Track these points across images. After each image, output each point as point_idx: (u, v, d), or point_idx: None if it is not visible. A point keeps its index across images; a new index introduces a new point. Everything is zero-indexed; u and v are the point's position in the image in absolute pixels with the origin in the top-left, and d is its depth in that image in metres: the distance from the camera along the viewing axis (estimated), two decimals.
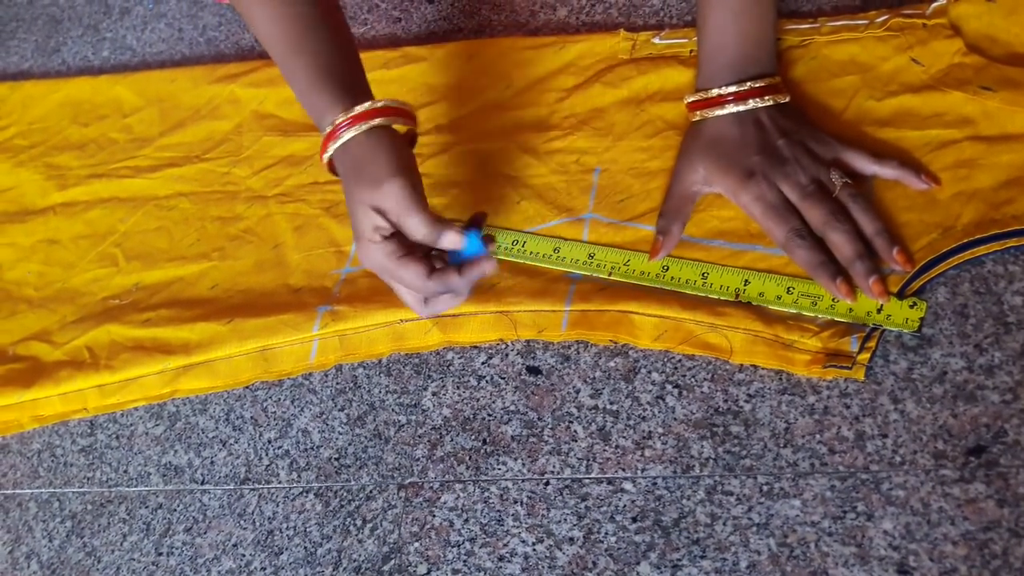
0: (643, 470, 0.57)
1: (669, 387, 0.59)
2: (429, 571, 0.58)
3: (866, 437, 0.54)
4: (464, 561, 0.58)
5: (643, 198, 0.66)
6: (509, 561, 0.57)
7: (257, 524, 0.63)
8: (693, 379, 0.59)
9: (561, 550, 0.56)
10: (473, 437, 0.61)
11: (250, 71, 0.85)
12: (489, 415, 0.62)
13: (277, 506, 0.64)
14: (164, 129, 0.86)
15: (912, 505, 0.52)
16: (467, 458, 0.61)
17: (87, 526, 0.68)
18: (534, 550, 0.57)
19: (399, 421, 0.64)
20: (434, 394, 0.64)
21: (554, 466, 0.59)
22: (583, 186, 0.68)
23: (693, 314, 0.59)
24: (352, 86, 0.61)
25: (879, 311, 0.56)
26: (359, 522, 0.61)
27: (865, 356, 0.55)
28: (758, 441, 0.56)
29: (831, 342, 0.56)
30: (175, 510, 0.66)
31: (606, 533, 0.56)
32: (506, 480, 0.59)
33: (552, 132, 0.71)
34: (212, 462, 0.67)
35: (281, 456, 0.65)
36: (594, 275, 0.63)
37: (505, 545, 0.57)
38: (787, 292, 0.59)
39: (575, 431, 0.59)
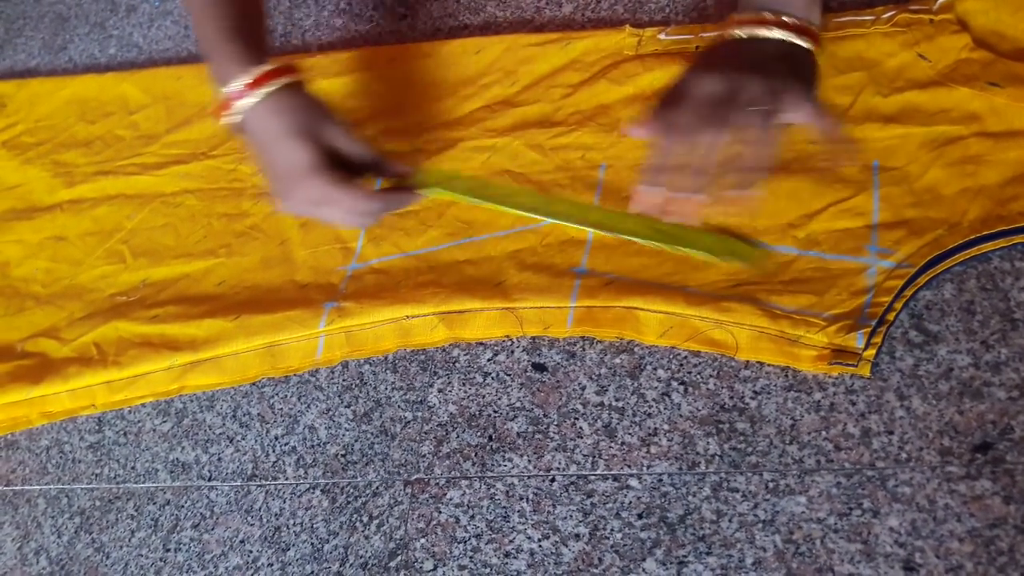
0: (649, 467, 0.57)
1: (675, 384, 0.59)
2: (435, 567, 0.58)
3: (872, 434, 0.54)
4: (470, 557, 0.58)
5: None
6: (515, 557, 0.57)
7: (264, 520, 0.64)
8: (699, 376, 0.59)
9: (567, 546, 0.56)
10: (479, 433, 0.62)
11: None
12: (495, 412, 0.62)
13: (284, 502, 0.64)
14: (170, 126, 0.86)
15: (918, 502, 0.51)
16: (473, 454, 0.61)
17: (95, 522, 0.68)
18: (540, 546, 0.57)
19: (405, 417, 0.64)
20: (440, 391, 0.64)
21: (560, 463, 0.59)
22: (589, 182, 0.68)
23: (699, 310, 0.59)
24: (259, 44, 0.66)
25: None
26: (365, 518, 0.62)
27: (871, 352, 0.55)
28: (764, 438, 0.56)
29: (837, 338, 0.56)
30: (183, 506, 0.66)
31: (612, 530, 0.56)
32: (512, 476, 0.59)
33: (557, 128, 0.71)
34: (219, 458, 0.67)
35: (288, 452, 0.66)
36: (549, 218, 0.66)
37: (511, 541, 0.58)
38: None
39: (581, 428, 0.60)
